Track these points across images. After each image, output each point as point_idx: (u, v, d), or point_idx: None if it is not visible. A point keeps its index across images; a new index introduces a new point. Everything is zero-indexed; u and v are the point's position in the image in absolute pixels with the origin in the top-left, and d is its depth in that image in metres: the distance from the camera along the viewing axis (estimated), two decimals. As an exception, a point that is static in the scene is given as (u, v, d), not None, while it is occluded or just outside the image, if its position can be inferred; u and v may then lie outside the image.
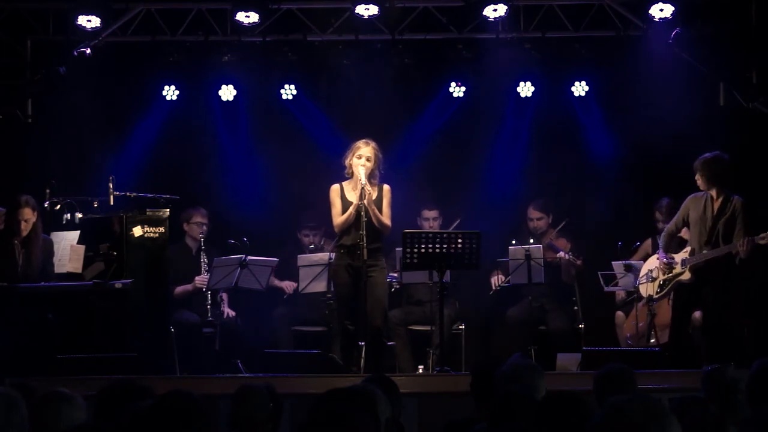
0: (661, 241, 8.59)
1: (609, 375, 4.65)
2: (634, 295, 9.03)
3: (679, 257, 8.37)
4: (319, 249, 9.61)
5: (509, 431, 3.88)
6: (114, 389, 3.94)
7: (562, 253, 9.43)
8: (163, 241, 8.61)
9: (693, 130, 9.36)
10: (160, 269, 8.62)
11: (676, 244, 8.69)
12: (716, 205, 8.21)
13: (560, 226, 9.63)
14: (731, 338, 8.26)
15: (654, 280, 8.54)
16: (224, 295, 9.41)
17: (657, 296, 8.55)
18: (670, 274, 8.40)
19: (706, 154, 8.22)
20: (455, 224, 9.39)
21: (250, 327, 9.40)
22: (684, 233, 8.58)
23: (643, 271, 8.77)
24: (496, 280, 9.56)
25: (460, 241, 7.96)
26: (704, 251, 8.17)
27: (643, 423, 2.64)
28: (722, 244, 8.12)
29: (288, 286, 9.65)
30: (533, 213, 9.71)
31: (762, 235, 8.01)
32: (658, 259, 8.55)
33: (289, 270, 9.59)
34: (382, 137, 8.46)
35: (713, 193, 8.21)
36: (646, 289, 8.65)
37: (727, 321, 8.22)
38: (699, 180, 8.20)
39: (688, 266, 8.26)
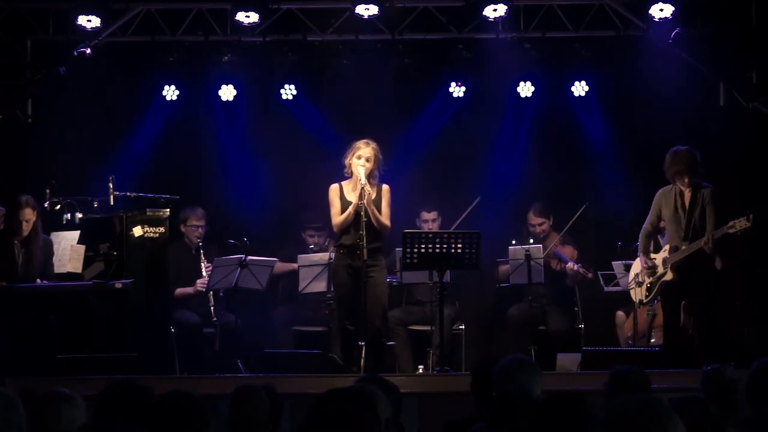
0: (639, 243, 8.44)
1: (621, 375, 4.63)
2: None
3: (659, 257, 8.26)
4: (322, 249, 9.59)
5: (509, 431, 3.88)
6: (114, 389, 3.93)
7: (571, 264, 9.36)
8: (163, 241, 8.62)
9: (693, 130, 9.36)
10: (160, 269, 8.63)
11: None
12: (687, 198, 8.08)
13: (579, 213, 9.46)
14: (725, 335, 8.20)
15: (641, 284, 8.44)
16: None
17: (647, 300, 8.47)
18: (654, 277, 8.29)
19: (683, 149, 8.08)
20: (474, 203, 9.28)
21: (250, 327, 9.39)
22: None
23: (631, 275, 8.65)
24: (507, 269, 9.43)
25: (460, 241, 7.97)
26: (683, 247, 8.07)
27: (648, 424, 2.64)
28: (698, 239, 7.97)
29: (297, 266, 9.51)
30: (533, 219, 9.65)
31: (731, 223, 7.84)
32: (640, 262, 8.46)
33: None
34: (382, 137, 8.46)
35: (682, 185, 8.07)
36: (636, 294, 8.54)
37: (718, 317, 8.15)
38: (685, 179, 8.04)
39: (669, 265, 8.15)
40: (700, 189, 8.06)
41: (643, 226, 8.39)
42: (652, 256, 8.35)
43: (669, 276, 8.15)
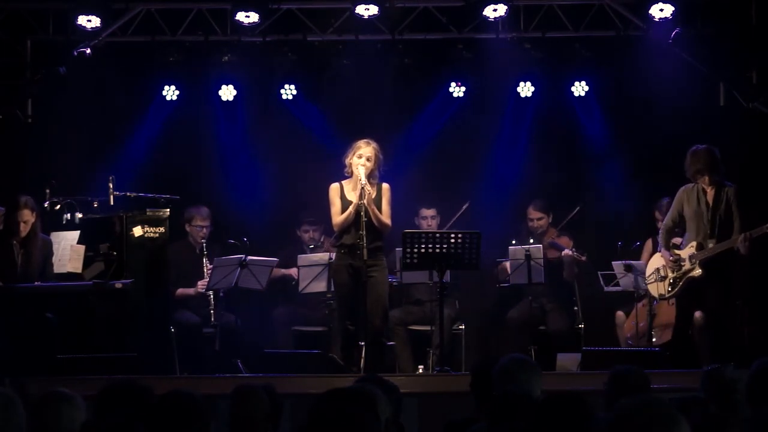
0: (660, 238, 8.52)
1: (621, 375, 4.63)
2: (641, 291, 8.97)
3: (685, 253, 8.28)
4: (318, 245, 9.60)
5: (509, 431, 3.88)
6: (114, 389, 3.94)
7: (567, 251, 9.40)
8: (163, 241, 8.61)
9: (693, 130, 9.36)
10: (160, 269, 8.62)
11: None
12: (710, 195, 8.14)
13: (571, 215, 9.52)
14: (732, 336, 8.23)
15: (664, 279, 8.46)
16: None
17: (669, 294, 8.46)
18: (680, 272, 8.33)
19: (701, 148, 8.14)
20: (464, 208, 9.31)
21: (250, 327, 9.39)
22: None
23: (649, 270, 8.66)
24: (506, 267, 9.44)
25: (459, 241, 7.97)
26: (710, 245, 8.11)
27: (652, 426, 2.64)
28: (724, 236, 8.05)
29: (295, 272, 9.55)
30: (533, 213, 9.69)
31: None
32: (662, 257, 8.48)
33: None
34: (382, 137, 8.46)
35: (704, 184, 8.15)
36: (657, 289, 8.55)
37: (728, 318, 8.19)
38: (706, 177, 8.10)
39: (697, 262, 8.19)
40: (724, 187, 8.15)
41: (664, 222, 8.48)
42: (676, 251, 8.36)
43: (697, 272, 8.19)
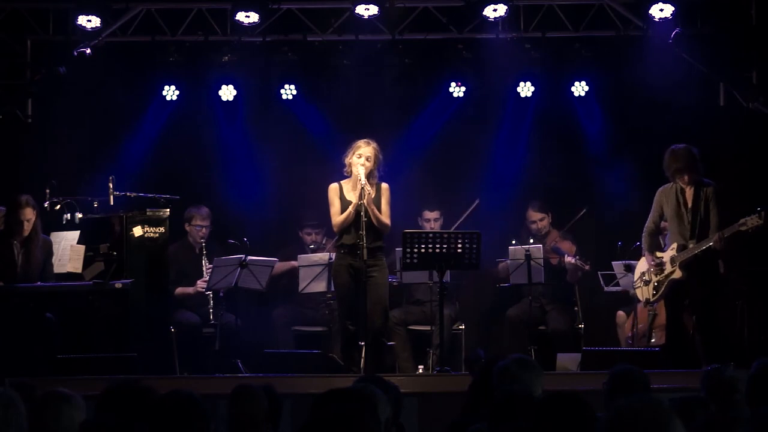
0: (643, 242, 8.45)
1: (621, 375, 4.63)
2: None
3: (666, 256, 8.26)
4: (320, 247, 9.60)
5: (509, 431, 3.87)
6: (114, 389, 3.94)
7: (569, 258, 9.37)
8: (163, 241, 8.62)
9: (693, 130, 9.36)
10: (160, 269, 8.64)
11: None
12: (689, 195, 8.10)
13: (577, 217, 9.49)
14: (730, 335, 8.22)
15: (648, 283, 8.44)
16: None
17: (654, 299, 8.46)
18: (662, 275, 8.30)
19: (680, 147, 8.11)
20: (474, 206, 9.27)
21: (250, 327, 9.39)
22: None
23: (637, 274, 8.63)
24: (506, 265, 9.42)
25: (460, 241, 7.97)
26: (690, 246, 8.07)
27: (648, 426, 2.64)
28: (704, 236, 8.01)
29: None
30: (533, 215, 9.67)
31: (742, 221, 7.87)
32: (646, 261, 8.46)
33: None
34: (382, 137, 8.46)
35: (682, 183, 8.10)
36: (642, 293, 8.54)
37: (718, 317, 8.17)
38: (685, 177, 8.07)
39: (677, 263, 8.16)
40: (702, 186, 8.08)
41: (646, 225, 8.40)
42: (658, 254, 8.33)
43: (678, 274, 8.15)
